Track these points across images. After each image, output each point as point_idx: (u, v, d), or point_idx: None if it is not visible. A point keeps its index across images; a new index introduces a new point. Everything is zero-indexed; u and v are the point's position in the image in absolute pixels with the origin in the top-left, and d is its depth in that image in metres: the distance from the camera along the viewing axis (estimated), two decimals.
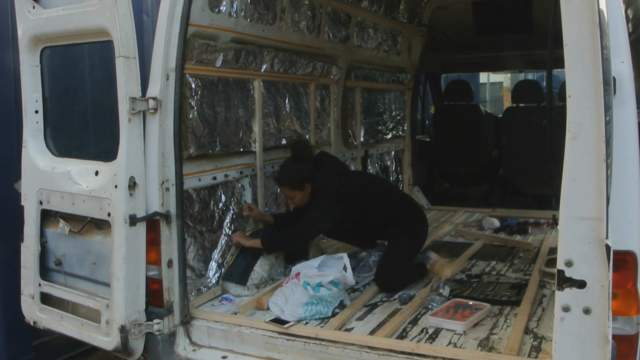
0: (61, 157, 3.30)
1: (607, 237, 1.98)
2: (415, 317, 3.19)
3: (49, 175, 3.22)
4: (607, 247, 1.98)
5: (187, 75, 3.35)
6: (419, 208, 4.27)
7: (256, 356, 2.98)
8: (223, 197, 3.76)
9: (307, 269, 3.38)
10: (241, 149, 3.92)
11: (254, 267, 3.63)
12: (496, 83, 19.79)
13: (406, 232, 3.86)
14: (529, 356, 2.65)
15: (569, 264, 2.05)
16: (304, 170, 3.70)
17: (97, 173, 3.07)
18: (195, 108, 3.48)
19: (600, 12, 1.92)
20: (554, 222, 5.11)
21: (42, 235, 3.33)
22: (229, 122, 3.79)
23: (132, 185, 2.89)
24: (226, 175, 3.75)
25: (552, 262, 3.54)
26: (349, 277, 3.47)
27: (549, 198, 6.32)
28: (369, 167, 5.71)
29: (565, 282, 2.06)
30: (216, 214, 3.71)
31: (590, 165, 1.98)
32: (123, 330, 2.91)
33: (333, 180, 3.75)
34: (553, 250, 3.78)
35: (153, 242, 3.01)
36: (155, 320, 3.02)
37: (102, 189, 2.97)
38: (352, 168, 5.37)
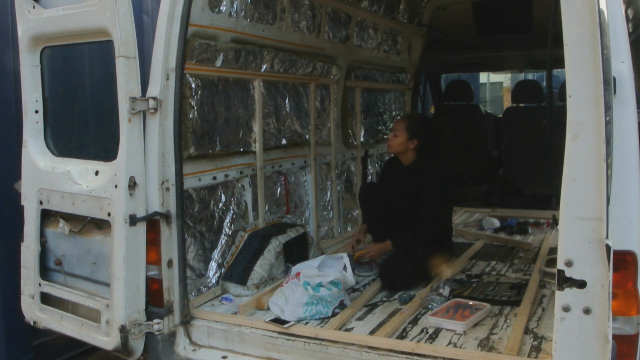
0: (61, 157, 3.29)
1: (607, 237, 1.98)
2: (415, 317, 3.19)
3: (49, 175, 3.22)
4: (607, 247, 1.98)
5: (187, 75, 3.35)
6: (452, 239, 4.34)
7: (256, 356, 2.97)
8: (223, 197, 3.76)
9: (307, 269, 3.38)
10: (241, 149, 3.92)
11: (254, 267, 3.64)
12: (496, 83, 19.79)
13: (432, 247, 3.82)
14: (529, 356, 2.65)
15: (569, 264, 2.05)
16: (427, 131, 3.97)
17: (97, 173, 3.07)
18: (195, 108, 3.48)
19: (600, 12, 1.92)
20: (554, 222, 5.10)
21: (42, 235, 3.33)
22: (229, 122, 3.79)
23: (132, 185, 2.89)
24: (226, 175, 3.75)
25: (552, 262, 3.54)
26: (349, 277, 3.47)
27: (549, 198, 6.31)
28: (369, 167, 5.71)
29: (565, 282, 2.06)
30: (216, 214, 3.71)
31: (590, 165, 1.98)
32: (123, 330, 2.91)
33: (442, 168, 3.99)
34: (553, 250, 3.78)
35: (153, 242, 3.01)
36: (155, 320, 3.02)
37: (102, 188, 2.97)
38: (352, 168, 5.38)
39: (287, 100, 4.41)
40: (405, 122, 3.96)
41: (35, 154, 3.29)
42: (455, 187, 7.48)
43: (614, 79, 2.11)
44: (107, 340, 2.98)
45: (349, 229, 5.18)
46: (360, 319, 3.18)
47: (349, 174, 5.33)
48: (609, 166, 1.98)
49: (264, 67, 4.03)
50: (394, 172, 4.14)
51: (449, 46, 6.46)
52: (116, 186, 2.89)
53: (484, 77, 17.11)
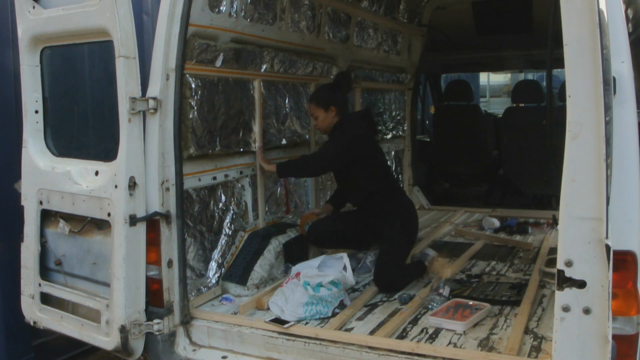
0: (61, 157, 3.30)
1: (607, 237, 1.98)
2: (415, 317, 3.19)
3: (49, 175, 3.22)
4: (607, 247, 1.98)
5: (187, 75, 3.35)
6: (407, 196, 4.35)
7: (256, 356, 2.98)
8: (223, 197, 3.76)
9: (307, 269, 3.38)
10: (241, 149, 3.92)
11: (254, 267, 3.64)
12: (496, 85, 19.78)
13: (398, 225, 3.85)
14: (529, 356, 2.64)
15: (569, 264, 2.05)
16: (334, 94, 3.96)
17: (97, 173, 3.07)
18: (195, 108, 3.48)
19: (600, 12, 1.92)
20: (554, 222, 5.10)
21: (42, 235, 3.33)
22: (229, 122, 3.79)
23: (132, 185, 2.89)
24: (226, 175, 3.75)
25: (552, 262, 3.53)
26: (349, 277, 3.48)
27: (549, 198, 6.32)
28: None
29: (565, 282, 2.06)
30: (216, 214, 3.71)
31: (590, 165, 1.98)
32: (123, 330, 2.91)
33: (356, 122, 4.02)
34: (553, 250, 3.78)
35: (153, 242, 3.01)
36: (155, 320, 3.02)
37: (102, 189, 2.97)
38: None
39: (287, 100, 4.41)
40: (313, 102, 3.98)
41: (35, 154, 3.29)
42: (456, 187, 7.55)
43: (614, 79, 2.11)
44: (107, 341, 2.99)
45: None
46: (360, 319, 3.18)
47: None
48: (608, 166, 1.98)
49: (264, 67, 4.03)
50: None
51: (449, 46, 6.46)
52: (116, 186, 2.90)
53: (483, 77, 17.11)
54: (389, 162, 6.23)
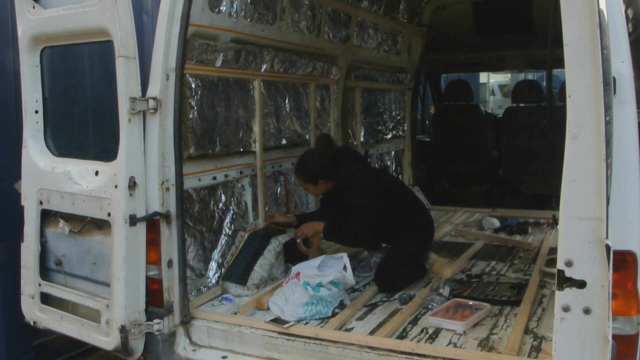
0: (61, 157, 3.30)
1: (607, 237, 1.98)
2: (415, 317, 3.19)
3: (49, 175, 3.22)
4: (607, 247, 1.98)
5: (187, 75, 3.35)
6: (427, 211, 4.29)
7: (256, 356, 2.98)
8: (223, 197, 3.76)
9: (307, 269, 3.38)
10: (241, 149, 3.92)
11: (254, 267, 3.64)
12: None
13: (413, 235, 3.87)
14: (529, 356, 2.65)
15: (569, 264, 2.05)
16: (320, 166, 3.81)
17: (97, 173, 3.07)
18: (195, 108, 3.48)
19: (600, 12, 1.92)
20: (554, 222, 5.11)
21: (42, 235, 3.33)
22: (229, 122, 3.79)
23: (132, 185, 2.89)
24: (226, 175, 3.75)
25: (552, 262, 3.53)
26: (349, 277, 3.47)
27: (549, 198, 6.32)
28: None
29: (565, 282, 2.06)
30: (216, 214, 3.71)
31: (590, 165, 1.98)
32: (123, 330, 2.91)
33: (361, 173, 3.90)
34: (553, 250, 3.78)
35: (153, 242, 3.01)
36: (155, 320, 3.02)
37: (102, 189, 2.97)
38: None
39: (287, 100, 4.41)
40: (300, 177, 3.87)
41: (35, 154, 3.29)
42: (456, 187, 7.54)
43: (614, 79, 2.11)
44: (107, 341, 2.99)
45: None
46: (360, 319, 3.18)
47: None
48: (608, 166, 1.98)
49: (264, 67, 4.03)
50: (333, 198, 4.02)
51: (449, 46, 6.46)
52: (116, 186, 2.89)
53: (483, 77, 17.10)
54: (389, 163, 6.25)
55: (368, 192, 3.73)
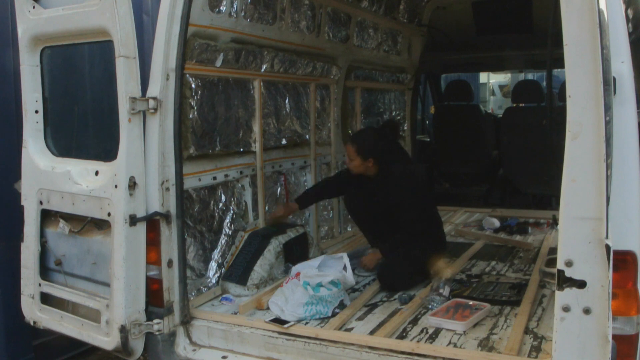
0: (61, 157, 3.30)
1: (607, 237, 1.98)
2: (415, 317, 3.19)
3: (49, 175, 3.22)
4: (607, 247, 1.98)
5: (187, 75, 3.35)
6: (442, 225, 4.36)
7: (256, 356, 2.98)
8: (223, 197, 3.76)
9: (307, 269, 3.38)
10: (241, 149, 3.92)
11: (254, 267, 3.64)
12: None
13: (427, 244, 3.87)
14: (529, 356, 2.65)
15: (569, 264, 2.05)
16: (379, 145, 3.86)
17: (97, 173, 3.07)
18: (195, 108, 3.49)
19: (600, 12, 1.92)
20: (554, 222, 5.10)
21: (42, 235, 3.33)
22: (229, 122, 3.79)
23: (132, 185, 2.89)
24: (226, 175, 3.75)
25: (552, 262, 3.51)
26: (349, 277, 3.47)
27: (549, 198, 6.31)
28: None
29: (565, 282, 2.06)
30: (216, 214, 3.71)
31: (590, 165, 1.98)
32: (123, 330, 2.91)
33: (415, 176, 4.10)
34: (553, 250, 3.77)
35: (153, 242, 3.01)
36: (155, 320, 3.02)
37: (102, 189, 2.97)
38: None
39: (287, 100, 4.41)
40: (354, 146, 3.85)
41: (35, 154, 3.29)
42: (455, 187, 7.54)
43: (614, 79, 2.11)
44: (107, 340, 2.99)
45: (349, 229, 5.18)
46: (360, 319, 3.18)
47: None
48: (608, 166, 1.98)
49: (264, 67, 4.03)
50: (362, 181, 4.03)
51: (449, 46, 6.46)
52: (116, 186, 2.89)
53: (483, 77, 17.11)
54: None
55: (419, 195, 3.89)
